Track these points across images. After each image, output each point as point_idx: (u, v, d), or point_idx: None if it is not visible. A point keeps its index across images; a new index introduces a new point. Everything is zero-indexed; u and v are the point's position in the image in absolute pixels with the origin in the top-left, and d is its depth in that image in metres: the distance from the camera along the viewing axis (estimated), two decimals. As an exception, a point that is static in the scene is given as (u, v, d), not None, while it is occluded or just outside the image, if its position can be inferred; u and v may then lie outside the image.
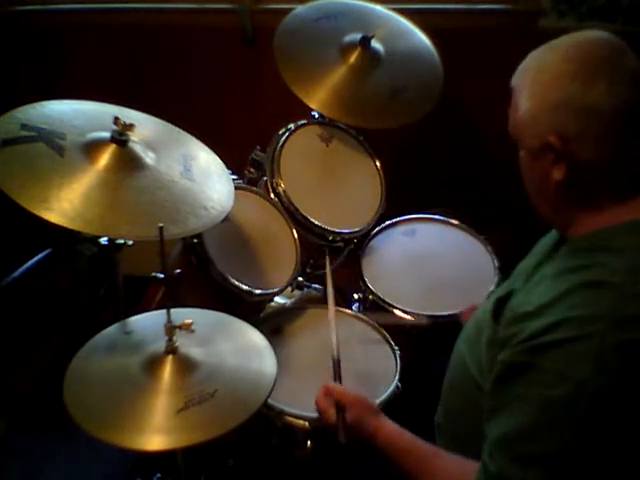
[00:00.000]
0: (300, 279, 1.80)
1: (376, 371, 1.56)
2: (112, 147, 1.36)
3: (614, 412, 0.90)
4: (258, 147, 1.87)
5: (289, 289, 1.75)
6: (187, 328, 1.23)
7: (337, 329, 1.52)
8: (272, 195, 1.78)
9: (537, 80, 1.03)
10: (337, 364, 1.43)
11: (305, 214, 1.76)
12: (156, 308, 1.37)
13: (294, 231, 1.75)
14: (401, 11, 2.05)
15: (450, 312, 1.69)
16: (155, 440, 1.12)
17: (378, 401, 1.44)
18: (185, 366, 1.23)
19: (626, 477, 0.94)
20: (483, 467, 1.00)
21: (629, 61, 1.00)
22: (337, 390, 1.32)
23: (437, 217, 1.99)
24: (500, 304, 1.13)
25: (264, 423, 1.45)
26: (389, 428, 1.24)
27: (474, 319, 1.27)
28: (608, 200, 1.01)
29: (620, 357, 0.89)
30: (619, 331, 0.90)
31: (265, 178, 1.82)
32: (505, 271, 1.76)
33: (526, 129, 1.04)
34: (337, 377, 1.41)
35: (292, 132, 1.86)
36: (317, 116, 1.93)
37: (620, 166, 1.00)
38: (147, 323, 1.36)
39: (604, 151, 0.99)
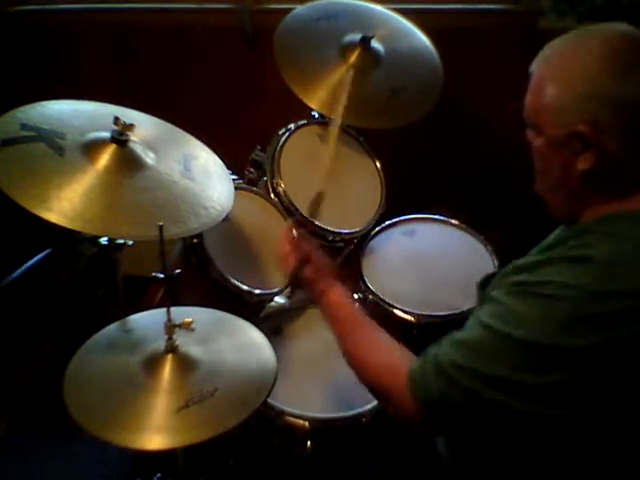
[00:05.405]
0: (300, 279, 1.80)
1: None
2: (112, 147, 1.36)
3: (562, 371, 0.93)
4: (258, 147, 1.87)
5: (289, 289, 1.75)
6: (187, 327, 1.23)
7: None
8: (272, 195, 1.78)
9: (566, 68, 1.02)
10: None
11: (305, 214, 1.76)
12: (156, 308, 1.37)
13: (294, 231, 1.75)
14: (401, 11, 2.04)
15: (450, 312, 1.69)
16: (155, 439, 1.12)
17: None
18: (185, 365, 1.24)
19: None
20: (430, 350, 1.05)
21: None
22: (309, 247, 1.36)
23: (437, 217, 1.99)
24: (487, 279, 1.18)
25: (264, 423, 1.46)
26: (339, 290, 1.28)
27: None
28: (626, 190, 1.02)
29: (586, 327, 0.93)
30: (592, 303, 0.93)
31: (265, 178, 1.81)
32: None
33: (551, 117, 1.03)
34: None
35: (292, 132, 1.86)
36: (317, 116, 1.93)
37: None
38: (147, 322, 1.37)
39: (632, 142, 0.99)
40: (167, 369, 1.22)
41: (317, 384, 1.40)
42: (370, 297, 1.76)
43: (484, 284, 1.18)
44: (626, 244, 0.98)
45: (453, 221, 1.97)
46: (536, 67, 1.07)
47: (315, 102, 1.84)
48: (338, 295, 1.27)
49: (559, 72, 1.03)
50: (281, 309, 1.79)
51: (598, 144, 0.99)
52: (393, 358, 1.12)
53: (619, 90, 0.98)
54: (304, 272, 1.31)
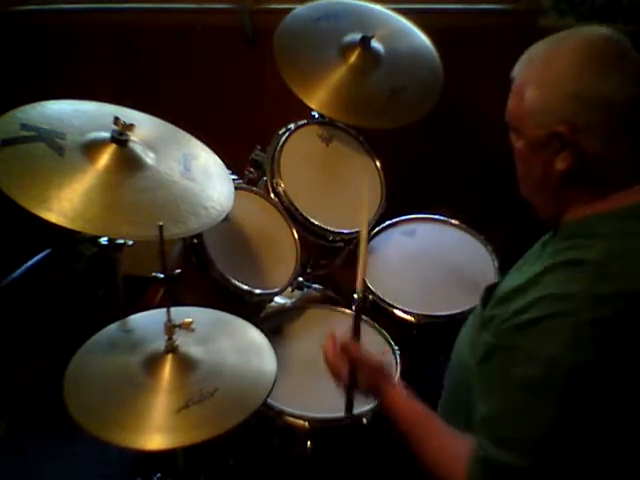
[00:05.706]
0: (300, 279, 1.80)
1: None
2: (112, 147, 1.36)
3: (592, 390, 0.91)
4: (258, 147, 1.87)
5: (289, 289, 1.75)
6: (187, 327, 1.23)
7: (337, 326, 1.49)
8: (272, 195, 1.78)
9: (548, 69, 1.02)
10: (359, 310, 1.26)
11: (305, 214, 1.76)
12: (156, 308, 1.37)
13: (294, 231, 1.75)
14: (401, 11, 2.05)
15: (450, 312, 1.69)
16: (155, 439, 1.12)
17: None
18: (185, 365, 1.23)
19: (613, 457, 0.94)
20: (475, 450, 1.00)
21: (635, 58, 1.01)
22: (356, 349, 1.25)
23: (437, 217, 1.99)
24: (489, 291, 1.15)
25: (264, 423, 1.45)
26: (399, 390, 1.21)
27: (471, 318, 1.28)
28: (607, 189, 1.02)
29: (594, 334, 0.91)
30: (594, 308, 0.92)
31: (265, 178, 1.81)
32: (505, 271, 1.76)
33: (531, 119, 1.04)
34: (356, 330, 1.27)
35: (292, 132, 1.86)
36: (317, 116, 1.93)
37: (622, 159, 1.01)
38: (147, 322, 1.37)
39: (610, 143, 0.99)
40: (167, 369, 1.22)
41: (317, 384, 1.40)
42: (370, 297, 1.76)
43: (485, 299, 1.16)
44: (612, 244, 0.97)
45: (453, 221, 1.97)
46: (517, 71, 1.07)
47: (315, 102, 1.84)
48: (400, 395, 1.20)
49: (540, 74, 1.03)
50: (281, 309, 1.79)
51: (575, 144, 0.99)
52: (457, 468, 1.03)
53: (599, 90, 0.98)
54: (361, 381, 1.24)
